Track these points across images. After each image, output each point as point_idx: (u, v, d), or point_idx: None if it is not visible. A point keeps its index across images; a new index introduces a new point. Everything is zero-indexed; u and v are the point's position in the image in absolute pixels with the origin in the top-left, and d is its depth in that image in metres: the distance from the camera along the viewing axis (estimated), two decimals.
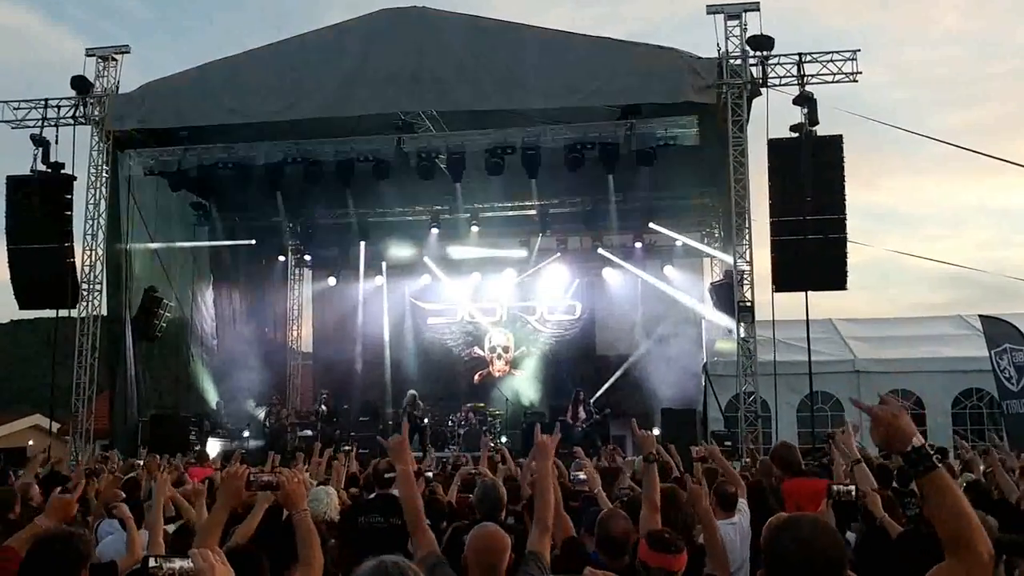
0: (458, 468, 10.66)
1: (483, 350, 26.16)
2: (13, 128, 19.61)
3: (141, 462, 10.44)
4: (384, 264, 26.41)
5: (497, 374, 25.95)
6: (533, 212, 24.15)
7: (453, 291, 26.31)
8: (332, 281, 27.02)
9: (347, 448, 8.93)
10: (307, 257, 27.59)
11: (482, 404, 23.34)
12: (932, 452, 2.63)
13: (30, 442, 31.46)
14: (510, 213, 24.45)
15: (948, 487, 2.59)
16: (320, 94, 18.57)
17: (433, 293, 26.57)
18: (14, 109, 19.61)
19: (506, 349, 26.04)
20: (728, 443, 16.11)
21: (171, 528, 6.08)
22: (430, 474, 8.89)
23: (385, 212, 24.89)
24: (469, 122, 19.13)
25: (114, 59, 19.82)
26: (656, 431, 19.10)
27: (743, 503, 6.81)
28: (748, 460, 11.26)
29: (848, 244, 17.28)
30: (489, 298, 26.22)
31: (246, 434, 21.97)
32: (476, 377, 25.87)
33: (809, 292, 17.47)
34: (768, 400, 17.69)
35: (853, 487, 5.17)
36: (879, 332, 21.64)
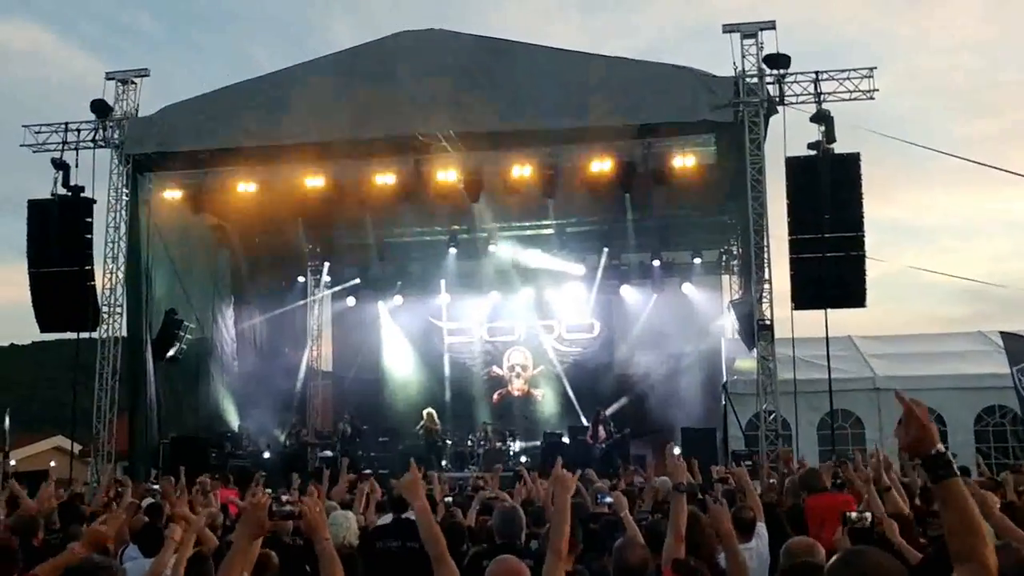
0: (477, 490, 10.66)
1: (502, 369, 26.18)
2: (34, 152, 19.77)
3: (156, 486, 10.45)
4: (403, 284, 26.47)
5: (516, 393, 25.96)
6: (550, 231, 24.18)
7: (471, 310, 26.36)
8: (351, 301, 27.15)
9: (367, 471, 8.89)
10: (327, 278, 27.69)
11: (499, 423, 23.38)
12: (953, 460, 2.70)
13: (52, 463, 31.63)
14: (527, 232, 24.47)
15: (963, 496, 2.64)
16: (338, 116, 18.63)
17: (451, 313, 26.62)
18: (35, 133, 19.79)
19: (524, 368, 26.05)
20: (748, 462, 16.03)
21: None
22: (449, 499, 8.89)
23: (403, 232, 25.00)
24: (486, 142, 19.17)
25: (133, 82, 19.96)
26: (677, 450, 19.06)
27: (761, 527, 6.78)
28: (774, 481, 11.20)
29: (866, 261, 17.24)
30: (507, 317, 26.23)
31: (266, 455, 22.00)
32: (495, 396, 25.87)
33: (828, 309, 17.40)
34: (788, 419, 17.60)
35: (868, 514, 5.15)
36: (899, 349, 21.51)
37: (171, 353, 20.42)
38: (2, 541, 6.36)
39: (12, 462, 31.13)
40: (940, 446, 2.70)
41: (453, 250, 24.79)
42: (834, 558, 2.96)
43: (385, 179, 19.67)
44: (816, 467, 10.21)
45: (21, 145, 19.78)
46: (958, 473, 2.66)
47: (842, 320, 19.60)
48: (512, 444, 22.30)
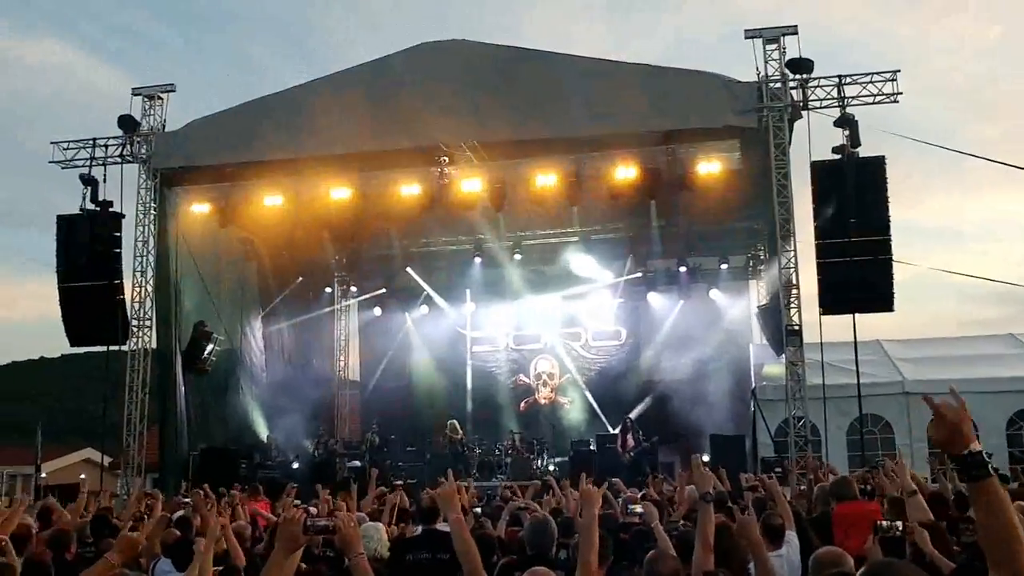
0: (506, 500, 10.64)
1: (528, 377, 26.18)
2: (63, 168, 19.99)
3: (188, 500, 10.52)
4: (428, 294, 26.54)
5: (543, 401, 25.95)
6: (576, 239, 24.16)
7: (497, 319, 26.37)
8: (378, 311, 27.27)
9: (398, 483, 8.96)
10: (353, 288, 27.85)
11: (527, 432, 23.38)
12: (988, 460, 2.60)
13: (82, 476, 31.87)
14: (552, 240, 24.49)
15: (1000, 497, 2.55)
16: (362, 127, 18.71)
17: (477, 322, 26.65)
18: (64, 149, 20.00)
19: (551, 376, 26.04)
20: (778, 469, 15.92)
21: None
22: (478, 510, 8.90)
23: (428, 242, 25.09)
24: (510, 151, 19.20)
25: (160, 98, 20.16)
26: (705, 457, 18.98)
27: (791, 535, 6.73)
28: (804, 487, 11.13)
29: (893, 264, 17.11)
30: (533, 325, 26.23)
31: (295, 465, 22.10)
32: (522, 405, 25.86)
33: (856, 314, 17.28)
34: (818, 424, 17.48)
35: (900, 523, 5.09)
36: (928, 352, 21.31)
37: (201, 361, 20.56)
38: (36, 556, 6.44)
39: (43, 474, 31.44)
40: (975, 445, 2.59)
41: (478, 259, 24.85)
42: (862, 571, 2.93)
43: (410, 189, 19.76)
44: (847, 475, 10.12)
45: (50, 161, 20.01)
46: (993, 473, 2.56)
47: (870, 324, 19.46)
48: (541, 454, 22.24)
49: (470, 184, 19.50)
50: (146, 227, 19.92)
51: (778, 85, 17.63)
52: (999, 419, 18.76)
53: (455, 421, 22.71)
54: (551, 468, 20.78)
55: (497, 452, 22.26)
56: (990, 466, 2.58)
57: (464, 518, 5.25)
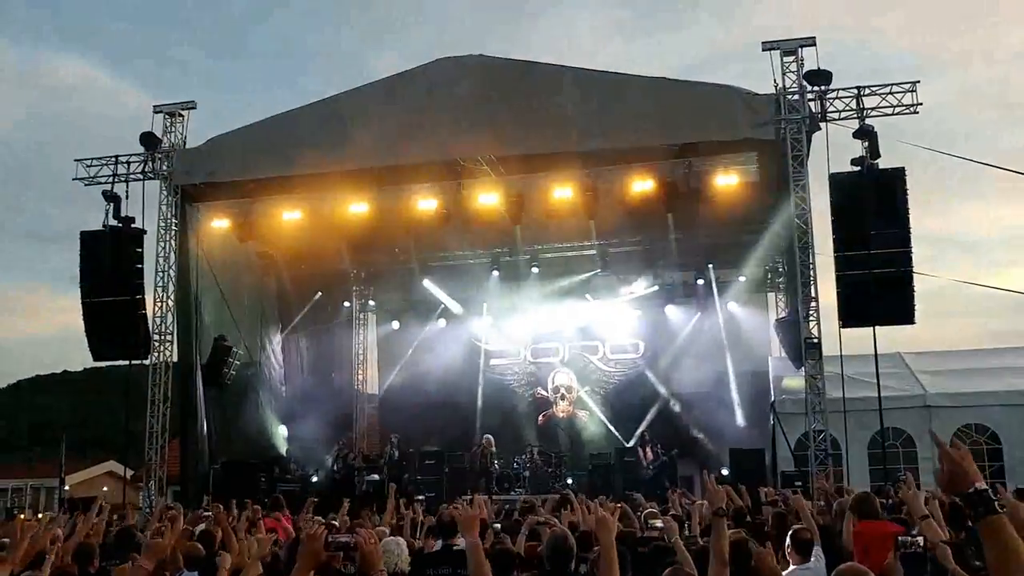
0: (525, 513, 10.60)
1: (546, 391, 26.12)
2: (86, 185, 20.21)
3: (209, 513, 10.56)
4: (446, 307, 26.57)
5: (561, 414, 25.89)
6: (593, 252, 24.17)
7: (515, 332, 26.36)
8: (396, 324, 27.33)
9: (420, 499, 9.02)
10: (371, 301, 27.94)
11: (545, 445, 23.34)
12: (994, 498, 2.62)
13: (104, 488, 32.05)
14: (569, 253, 24.51)
15: (1006, 534, 2.56)
16: (381, 143, 18.83)
17: (494, 335, 26.64)
18: (87, 167, 20.22)
19: (569, 389, 25.97)
20: (799, 483, 15.84)
21: None
22: (498, 526, 8.88)
23: (446, 256, 25.14)
24: (527, 165, 19.25)
25: (180, 115, 20.36)
26: (724, 471, 18.92)
27: (818, 549, 6.73)
28: (823, 503, 11.07)
29: (915, 276, 17.00)
30: (551, 338, 26.21)
31: (314, 479, 22.14)
32: (540, 418, 25.82)
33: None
34: (838, 438, 17.35)
35: (921, 538, 5.08)
36: (950, 365, 21.11)
37: (221, 375, 20.65)
38: (62, 568, 6.52)
39: (66, 487, 31.66)
40: (979, 483, 2.63)
41: (495, 272, 24.88)
42: None
43: (427, 204, 19.85)
44: (868, 490, 10.08)
45: (74, 178, 20.24)
46: (1000, 510, 2.58)
47: (891, 336, 19.35)
48: (560, 467, 22.21)
49: (487, 197, 19.57)
50: (167, 243, 20.08)
51: (796, 97, 17.60)
52: (1023, 432, 18.58)
53: (491, 436, 22.51)
54: (569, 482, 20.74)
55: (516, 466, 22.21)
56: (996, 503, 2.60)
57: (484, 533, 5.27)
